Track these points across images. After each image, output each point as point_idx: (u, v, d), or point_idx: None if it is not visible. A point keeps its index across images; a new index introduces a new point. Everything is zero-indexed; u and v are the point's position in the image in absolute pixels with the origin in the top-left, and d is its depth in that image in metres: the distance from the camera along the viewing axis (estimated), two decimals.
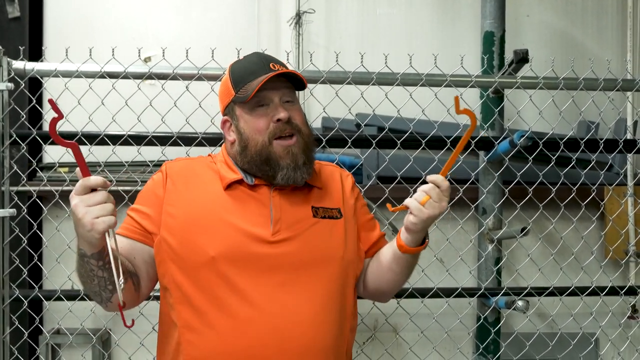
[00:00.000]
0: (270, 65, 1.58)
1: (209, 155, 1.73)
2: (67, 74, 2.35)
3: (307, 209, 1.60)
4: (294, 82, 1.61)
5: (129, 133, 2.41)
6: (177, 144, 2.43)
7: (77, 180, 1.33)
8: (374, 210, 2.67)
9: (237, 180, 1.59)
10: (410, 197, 1.55)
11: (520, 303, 2.48)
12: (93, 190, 1.32)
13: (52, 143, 2.39)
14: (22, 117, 2.36)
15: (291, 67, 2.79)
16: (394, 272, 1.66)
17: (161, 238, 1.54)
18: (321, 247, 1.57)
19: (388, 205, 1.63)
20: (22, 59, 2.34)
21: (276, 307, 1.48)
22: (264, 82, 1.52)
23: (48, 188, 2.51)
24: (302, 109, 1.67)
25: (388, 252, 1.65)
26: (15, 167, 2.34)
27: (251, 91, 1.53)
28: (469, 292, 2.61)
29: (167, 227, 1.54)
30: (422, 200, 1.51)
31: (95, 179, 1.32)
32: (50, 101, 1.27)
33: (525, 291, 2.59)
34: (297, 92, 1.67)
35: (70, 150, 1.32)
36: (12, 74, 2.30)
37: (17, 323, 2.36)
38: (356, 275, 1.67)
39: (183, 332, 1.50)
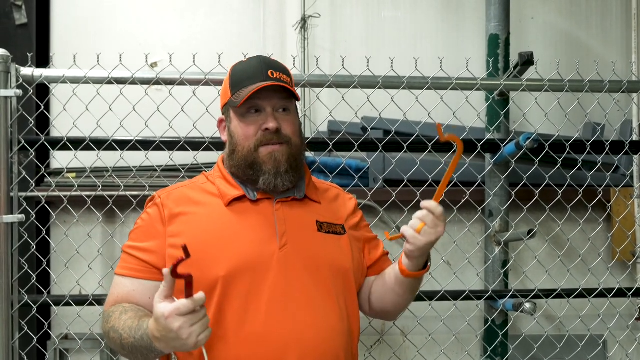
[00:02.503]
0: (269, 72, 1.57)
1: (203, 174, 1.71)
2: (75, 80, 2.36)
3: (312, 222, 1.62)
4: (292, 91, 1.61)
5: (136, 138, 2.42)
6: (185, 149, 2.44)
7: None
8: (381, 213, 2.68)
9: (238, 197, 1.59)
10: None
11: (527, 305, 2.48)
12: None
13: (61, 148, 2.40)
14: (31, 123, 2.37)
15: (297, 71, 2.81)
16: (397, 294, 1.67)
17: None
18: (329, 258, 1.59)
19: (386, 233, 1.64)
20: (30, 66, 2.36)
21: (292, 317, 1.49)
22: (257, 90, 1.53)
23: (56, 193, 2.52)
24: (298, 119, 1.66)
25: (391, 274, 1.66)
26: (24, 173, 2.35)
27: (242, 98, 1.54)
28: (476, 295, 2.61)
29: (173, 259, 1.50)
30: (417, 227, 1.50)
31: (202, 299, 1.27)
32: (184, 247, 1.23)
33: (533, 293, 2.59)
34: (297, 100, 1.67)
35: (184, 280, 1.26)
36: (21, 80, 2.31)
37: (26, 328, 2.36)
38: (359, 285, 1.69)
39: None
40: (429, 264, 1.60)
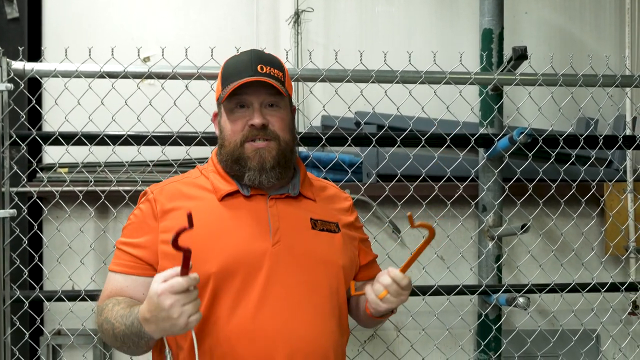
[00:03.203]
0: (259, 67, 1.55)
1: (197, 167, 1.70)
2: (67, 74, 2.35)
3: (306, 219, 1.61)
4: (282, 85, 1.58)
5: (128, 133, 2.41)
6: (177, 144, 2.43)
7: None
8: (374, 208, 2.68)
9: (232, 192, 1.58)
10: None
11: (521, 300, 2.48)
12: None
13: (52, 143, 2.39)
14: (22, 117, 2.36)
15: (291, 65, 2.80)
16: (366, 316, 1.69)
17: (161, 267, 1.52)
18: (322, 256, 1.58)
19: (352, 284, 1.64)
20: (21, 60, 2.34)
21: (282, 314, 1.49)
22: (243, 84, 1.52)
23: (48, 188, 2.51)
24: (288, 114, 1.63)
25: (362, 300, 1.68)
26: (15, 168, 2.34)
27: (227, 93, 1.54)
28: (470, 290, 2.61)
29: (165, 255, 1.51)
30: (380, 294, 1.52)
31: (196, 279, 1.28)
32: (189, 215, 1.22)
33: (526, 288, 2.59)
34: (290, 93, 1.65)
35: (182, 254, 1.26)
36: (12, 74, 2.30)
37: (18, 324, 2.36)
38: (348, 284, 1.68)
39: (190, 352, 1.47)
40: (394, 311, 1.62)
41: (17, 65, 2.32)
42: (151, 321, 1.31)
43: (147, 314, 1.31)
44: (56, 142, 2.39)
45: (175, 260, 1.48)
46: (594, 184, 2.66)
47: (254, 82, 1.53)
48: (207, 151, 2.63)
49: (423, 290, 2.54)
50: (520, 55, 2.55)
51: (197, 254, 1.47)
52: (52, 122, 2.46)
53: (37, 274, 2.78)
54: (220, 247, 1.51)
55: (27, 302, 2.37)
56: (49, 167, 2.91)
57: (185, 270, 1.27)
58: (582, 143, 2.61)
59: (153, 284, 1.29)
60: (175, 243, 1.23)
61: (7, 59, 2.29)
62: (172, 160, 2.54)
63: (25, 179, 2.50)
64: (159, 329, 1.31)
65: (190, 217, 1.21)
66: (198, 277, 1.29)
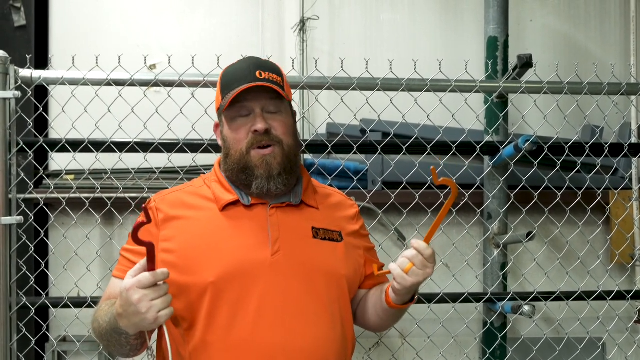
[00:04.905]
0: (257, 73, 1.55)
1: (201, 177, 1.70)
2: (74, 82, 2.36)
3: (307, 228, 1.59)
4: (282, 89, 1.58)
5: (135, 140, 2.42)
6: (184, 151, 2.44)
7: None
8: (380, 215, 2.68)
9: (232, 202, 1.58)
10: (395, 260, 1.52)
11: (526, 308, 2.48)
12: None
13: (59, 150, 2.40)
14: (29, 124, 2.37)
15: (296, 73, 2.81)
16: (379, 317, 1.67)
17: None
18: (323, 265, 1.56)
19: (374, 266, 1.63)
20: (28, 67, 2.35)
21: (281, 324, 1.48)
22: (243, 91, 1.52)
23: (55, 195, 2.52)
24: (291, 118, 1.63)
25: (377, 297, 1.65)
26: (22, 175, 2.35)
27: (228, 101, 1.54)
28: (475, 297, 2.61)
29: (164, 264, 1.51)
30: (405, 268, 1.48)
31: (164, 274, 1.31)
32: (144, 208, 1.29)
33: (532, 296, 2.58)
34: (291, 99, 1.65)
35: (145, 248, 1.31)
36: (19, 82, 2.31)
37: (24, 330, 2.36)
38: (354, 293, 1.68)
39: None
40: (415, 297, 1.59)
41: (25, 72, 2.33)
42: (123, 316, 1.34)
43: (119, 309, 1.34)
44: (63, 149, 2.40)
45: (172, 268, 1.50)
46: (599, 192, 2.66)
47: (254, 88, 1.53)
48: (213, 158, 2.62)
49: (428, 298, 2.53)
50: (526, 63, 2.55)
51: (196, 265, 1.49)
52: (58, 129, 2.48)
53: (43, 281, 2.78)
54: (218, 257, 1.50)
55: (33, 309, 2.37)
56: (56, 174, 2.93)
57: (151, 265, 1.30)
58: (587, 151, 2.61)
59: (125, 279, 1.33)
60: (135, 238, 1.26)
61: (15, 67, 2.30)
62: (178, 167, 2.55)
63: (32, 186, 2.51)
64: (131, 323, 1.34)
65: (146, 210, 1.30)
66: (167, 272, 1.32)
